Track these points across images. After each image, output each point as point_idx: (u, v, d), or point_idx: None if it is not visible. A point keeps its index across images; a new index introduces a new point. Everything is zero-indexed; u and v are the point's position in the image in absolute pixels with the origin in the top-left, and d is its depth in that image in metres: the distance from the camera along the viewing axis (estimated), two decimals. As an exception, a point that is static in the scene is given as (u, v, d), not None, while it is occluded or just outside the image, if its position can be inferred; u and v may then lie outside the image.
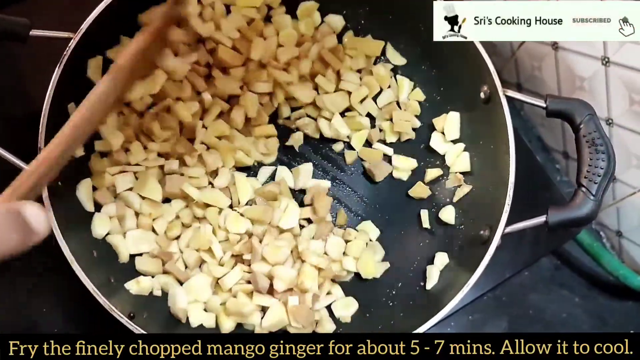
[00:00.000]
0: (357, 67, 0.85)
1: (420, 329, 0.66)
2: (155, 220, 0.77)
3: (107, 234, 0.74)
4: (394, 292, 0.79)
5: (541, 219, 0.67)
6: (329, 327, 0.75)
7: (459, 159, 0.82)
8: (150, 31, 0.65)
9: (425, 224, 0.81)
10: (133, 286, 0.73)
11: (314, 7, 0.85)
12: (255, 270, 0.74)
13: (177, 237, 0.77)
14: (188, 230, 0.77)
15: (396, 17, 0.84)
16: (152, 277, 0.75)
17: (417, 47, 0.85)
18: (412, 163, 0.84)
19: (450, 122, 0.83)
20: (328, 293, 0.78)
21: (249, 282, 0.75)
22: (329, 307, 0.77)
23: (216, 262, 0.76)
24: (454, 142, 0.83)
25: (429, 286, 0.76)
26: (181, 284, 0.75)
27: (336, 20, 0.86)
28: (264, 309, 0.74)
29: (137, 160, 0.77)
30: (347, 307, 0.77)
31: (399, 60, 0.87)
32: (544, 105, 0.70)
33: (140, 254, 0.75)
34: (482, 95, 0.76)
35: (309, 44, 0.84)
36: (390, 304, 0.78)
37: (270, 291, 0.74)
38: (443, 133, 0.84)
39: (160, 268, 0.75)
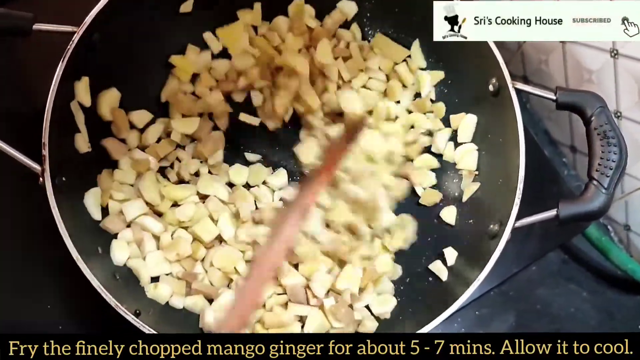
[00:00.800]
0: (384, 69, 0.85)
1: (430, 325, 0.66)
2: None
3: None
4: (402, 288, 0.78)
5: (552, 212, 0.66)
6: (370, 325, 0.74)
7: (467, 157, 0.81)
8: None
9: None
10: (150, 289, 0.72)
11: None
12: (289, 285, 0.74)
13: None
14: (211, 250, 0.76)
15: (402, 11, 0.84)
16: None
17: (424, 40, 0.84)
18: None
19: (466, 124, 0.81)
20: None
21: (279, 293, 0.75)
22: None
23: None
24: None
25: (443, 279, 0.76)
26: (209, 301, 0.74)
27: (350, 6, 0.85)
28: (301, 317, 0.74)
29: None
30: (385, 304, 0.76)
31: (421, 61, 0.85)
32: (554, 97, 0.69)
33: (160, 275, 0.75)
34: (490, 88, 0.75)
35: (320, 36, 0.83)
36: (399, 299, 0.77)
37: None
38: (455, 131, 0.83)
39: (183, 290, 0.74)
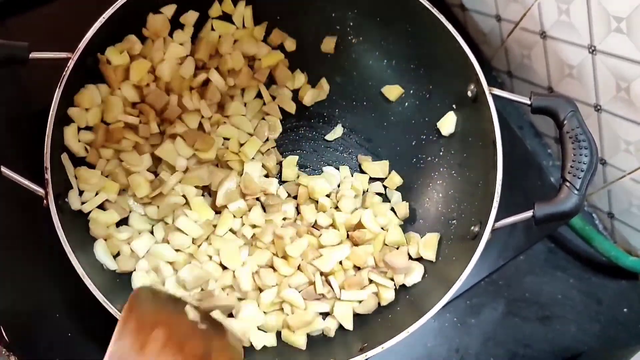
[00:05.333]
0: None
1: (418, 323, 0.69)
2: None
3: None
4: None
5: (529, 213, 0.69)
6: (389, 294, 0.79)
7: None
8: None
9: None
10: None
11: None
12: (300, 284, 0.78)
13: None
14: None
15: (383, 19, 0.86)
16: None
17: (405, 47, 0.86)
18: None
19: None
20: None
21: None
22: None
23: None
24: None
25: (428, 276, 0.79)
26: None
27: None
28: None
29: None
30: None
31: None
32: (529, 102, 0.72)
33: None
34: (469, 93, 0.78)
35: None
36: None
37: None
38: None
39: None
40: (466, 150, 0.82)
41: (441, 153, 0.86)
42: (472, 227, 0.75)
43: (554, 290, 0.95)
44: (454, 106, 0.83)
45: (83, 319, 0.81)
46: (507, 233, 0.89)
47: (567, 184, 0.68)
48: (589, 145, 0.68)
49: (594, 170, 0.68)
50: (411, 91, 0.88)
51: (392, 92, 0.89)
